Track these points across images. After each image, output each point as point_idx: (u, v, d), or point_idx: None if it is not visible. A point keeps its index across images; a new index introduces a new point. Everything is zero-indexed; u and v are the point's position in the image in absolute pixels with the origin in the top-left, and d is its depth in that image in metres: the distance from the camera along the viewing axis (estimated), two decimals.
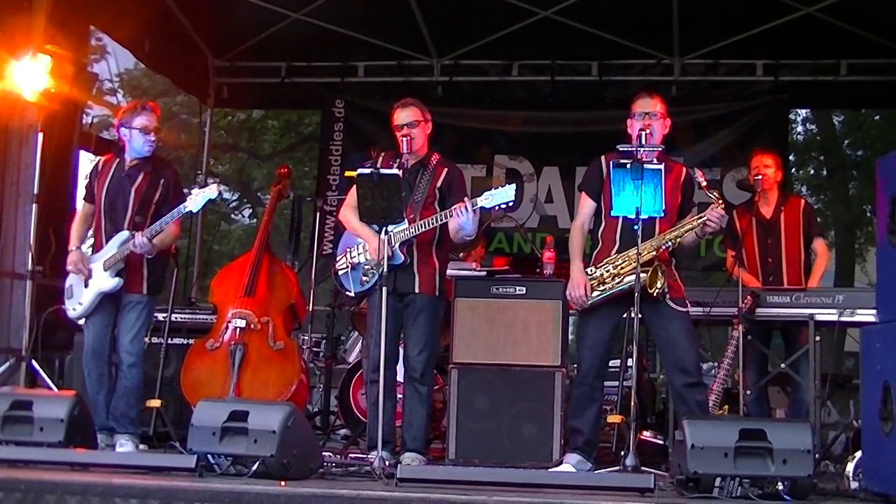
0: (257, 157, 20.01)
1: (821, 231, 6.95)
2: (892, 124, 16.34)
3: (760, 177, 6.50)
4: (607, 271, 5.33)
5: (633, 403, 5.07)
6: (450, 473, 4.81)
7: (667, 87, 9.07)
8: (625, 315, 5.36)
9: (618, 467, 5.05)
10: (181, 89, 12.88)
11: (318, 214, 8.35)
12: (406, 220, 5.48)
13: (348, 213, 5.75)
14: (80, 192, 6.28)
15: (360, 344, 7.21)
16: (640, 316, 5.14)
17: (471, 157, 9.50)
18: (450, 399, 5.95)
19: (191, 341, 6.38)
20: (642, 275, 5.12)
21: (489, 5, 8.72)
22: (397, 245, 5.47)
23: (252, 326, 5.97)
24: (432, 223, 5.51)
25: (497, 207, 5.44)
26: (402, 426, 5.65)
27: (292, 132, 18.94)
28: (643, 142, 5.25)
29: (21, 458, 4.76)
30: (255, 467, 4.52)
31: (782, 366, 6.36)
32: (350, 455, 5.89)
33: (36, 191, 6.84)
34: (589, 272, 5.37)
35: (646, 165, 5.12)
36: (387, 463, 4.88)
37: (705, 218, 5.20)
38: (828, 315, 5.94)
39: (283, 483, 4.36)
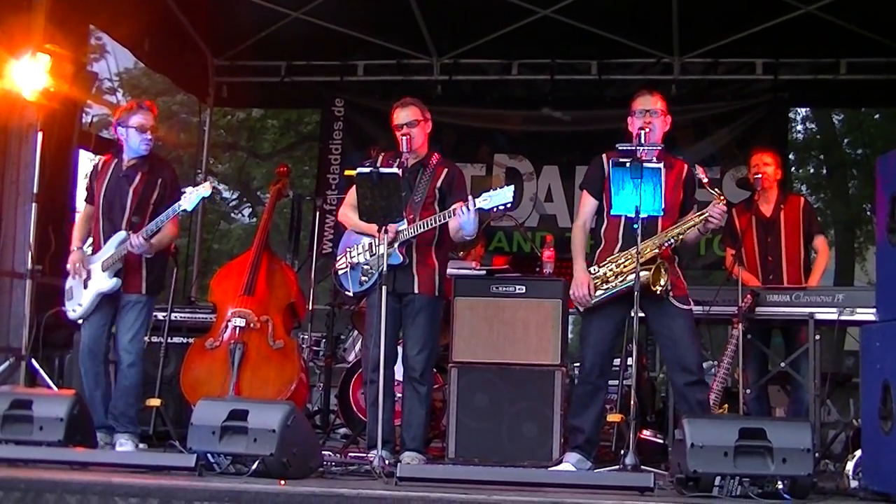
0: (257, 156, 20.01)
1: (821, 229, 6.95)
2: (892, 123, 16.33)
3: (760, 175, 6.51)
4: (610, 270, 5.32)
5: (632, 402, 5.06)
6: (449, 472, 4.82)
7: (666, 86, 9.06)
8: (629, 313, 5.35)
9: (617, 466, 5.05)
10: (181, 88, 12.89)
11: (317, 213, 8.35)
12: (405, 221, 5.48)
13: (348, 212, 5.75)
14: (80, 191, 6.29)
15: (359, 343, 7.21)
16: (640, 314, 5.14)
17: (470, 156, 9.51)
18: (449, 398, 5.94)
19: (190, 340, 6.38)
20: (644, 273, 5.13)
21: (489, 4, 8.72)
22: (396, 245, 5.47)
23: (252, 325, 5.97)
24: (432, 224, 5.50)
25: (495, 209, 5.43)
26: (402, 426, 5.65)
27: (292, 131, 18.94)
28: (643, 140, 5.25)
29: (21, 457, 4.75)
30: (254, 466, 4.52)
31: (782, 365, 6.36)
32: (350, 454, 5.89)
33: (35, 190, 6.84)
34: (592, 271, 5.36)
35: (645, 164, 5.12)
36: (386, 462, 4.88)
37: (707, 214, 5.19)
38: (828, 314, 5.95)
39: (282, 482, 4.36)
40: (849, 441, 5.81)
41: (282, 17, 9.10)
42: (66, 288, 6.00)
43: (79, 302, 5.89)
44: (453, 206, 5.44)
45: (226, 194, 21.05)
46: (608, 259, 5.36)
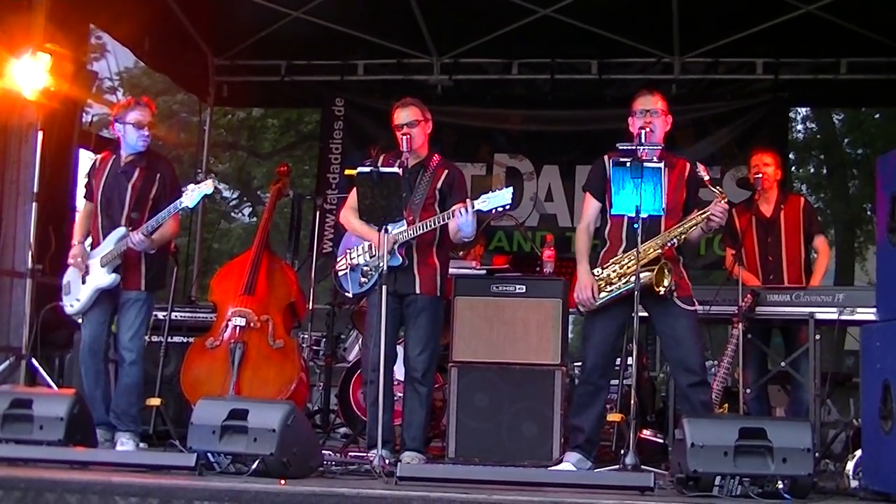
0: (257, 156, 20.01)
1: (821, 228, 6.95)
2: (893, 123, 16.34)
3: (760, 175, 6.50)
4: (614, 271, 5.32)
5: (632, 402, 5.06)
6: (449, 472, 4.82)
7: (667, 86, 9.06)
8: (632, 314, 5.35)
9: (618, 466, 5.05)
10: (181, 88, 12.90)
11: (317, 213, 8.34)
12: (405, 222, 5.48)
13: (349, 215, 5.75)
14: (81, 190, 6.28)
15: (359, 343, 7.21)
16: (641, 314, 5.13)
17: (471, 155, 9.51)
18: (449, 398, 5.94)
19: (191, 340, 6.38)
20: (647, 273, 5.15)
21: (489, 4, 8.72)
22: (396, 246, 5.47)
23: (252, 325, 5.97)
24: (431, 225, 5.50)
25: (494, 210, 5.43)
26: (402, 426, 5.65)
27: (292, 130, 18.94)
28: (643, 140, 5.25)
29: (21, 456, 4.75)
30: (254, 466, 4.52)
31: (782, 364, 6.36)
32: (350, 454, 5.88)
33: (36, 189, 6.85)
34: (595, 273, 5.36)
35: (646, 164, 5.12)
36: (386, 461, 4.88)
37: (709, 213, 5.19)
38: (828, 314, 5.94)
39: (282, 481, 4.36)
40: (849, 441, 5.81)
41: (282, 16, 9.10)
42: (63, 283, 6.00)
43: (77, 297, 5.89)
44: (453, 208, 5.44)
45: (226, 194, 21.05)
46: (612, 260, 5.36)
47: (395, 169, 5.29)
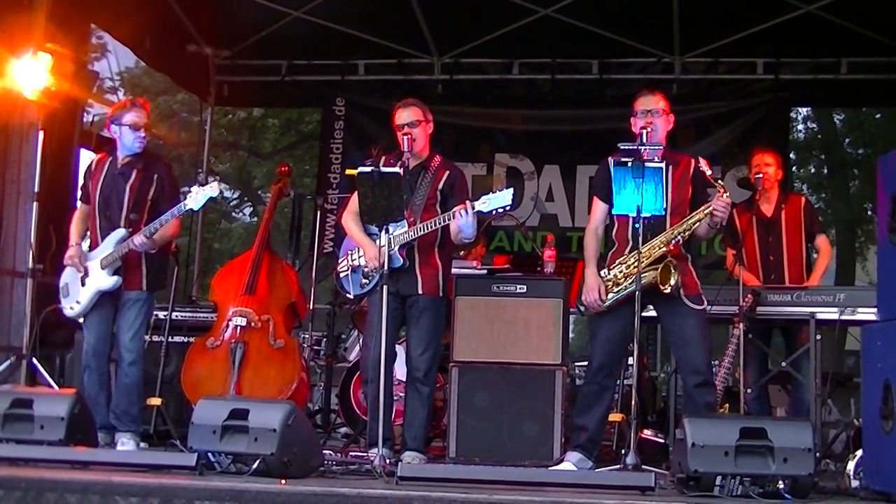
0: (258, 156, 20.01)
1: (822, 228, 6.95)
2: (893, 123, 16.34)
3: (761, 175, 6.50)
4: (620, 272, 5.32)
5: (633, 402, 5.06)
6: (450, 472, 4.82)
7: (667, 86, 9.06)
8: (642, 313, 5.36)
9: (618, 466, 5.05)
10: (181, 87, 12.89)
11: (318, 213, 8.36)
12: (406, 223, 5.48)
13: (349, 219, 5.75)
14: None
15: (360, 342, 7.21)
16: (650, 314, 5.14)
17: (471, 155, 9.51)
18: (450, 397, 5.94)
19: (191, 339, 6.38)
20: (652, 273, 5.16)
21: (490, 3, 8.72)
22: (396, 248, 5.47)
23: (252, 325, 5.97)
24: (432, 227, 5.51)
25: (495, 212, 5.43)
26: (403, 425, 5.66)
27: (293, 130, 18.94)
28: (645, 139, 5.25)
29: (21, 456, 4.75)
30: (255, 465, 4.52)
31: (783, 364, 6.35)
32: (350, 453, 5.88)
33: (36, 189, 6.84)
34: (602, 275, 5.37)
35: (647, 163, 5.12)
36: (387, 461, 4.88)
37: (711, 208, 5.18)
38: (828, 313, 5.94)
39: (283, 481, 4.36)
40: (850, 441, 5.81)
41: (283, 16, 9.10)
42: (60, 285, 5.99)
43: (77, 299, 5.89)
44: (453, 210, 5.44)
45: (227, 194, 21.04)
46: (618, 261, 5.36)
47: (395, 169, 5.28)
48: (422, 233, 5.52)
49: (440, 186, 5.67)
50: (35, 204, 6.83)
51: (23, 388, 6.26)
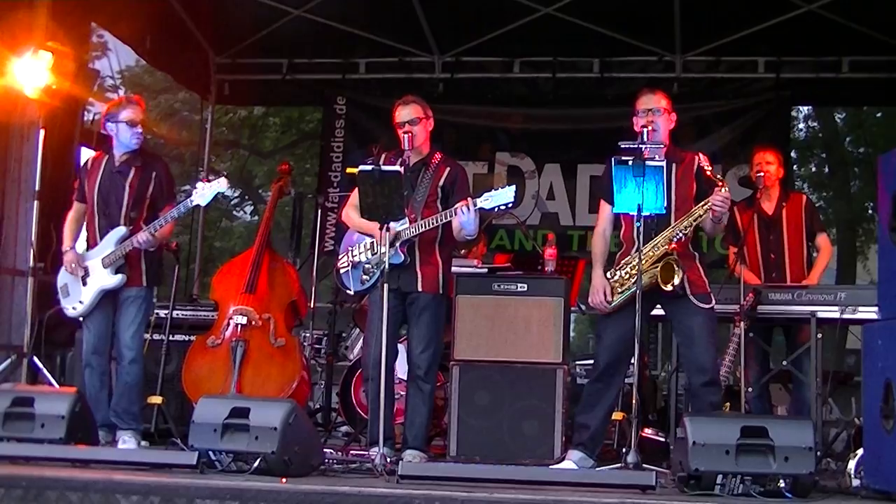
0: (258, 154, 20.01)
1: (823, 227, 6.96)
2: (894, 121, 16.34)
3: (762, 174, 6.50)
4: (626, 272, 5.32)
5: (634, 400, 5.06)
6: (451, 470, 4.82)
7: (668, 85, 9.04)
8: (648, 311, 5.37)
9: (619, 464, 5.06)
10: (182, 86, 12.89)
11: (319, 211, 8.36)
12: (407, 220, 5.47)
13: (350, 212, 5.75)
14: None
15: (361, 341, 7.21)
16: (658, 312, 5.11)
17: (472, 154, 9.50)
18: (451, 396, 5.94)
19: (192, 338, 6.38)
20: (653, 272, 5.16)
21: (491, 2, 8.73)
22: (398, 244, 5.47)
23: (253, 323, 5.97)
24: (433, 223, 5.50)
25: (497, 209, 5.43)
26: (404, 423, 5.66)
27: (293, 129, 18.94)
28: (645, 138, 5.24)
29: (22, 454, 4.76)
30: (256, 464, 4.52)
31: (784, 363, 6.36)
32: (351, 452, 5.88)
33: (37, 187, 6.83)
34: (609, 276, 5.37)
35: (648, 162, 5.11)
36: (388, 460, 4.88)
37: (710, 203, 5.17)
38: (829, 312, 5.93)
39: (284, 480, 4.36)
40: (850, 439, 5.81)
41: (283, 14, 9.10)
42: (59, 285, 5.98)
43: (79, 299, 5.88)
44: (455, 206, 5.44)
45: (227, 192, 21.03)
46: (623, 262, 5.37)
47: (396, 167, 5.28)
48: (423, 229, 5.52)
49: (441, 183, 5.67)
50: (36, 202, 6.82)
51: (24, 386, 6.25)
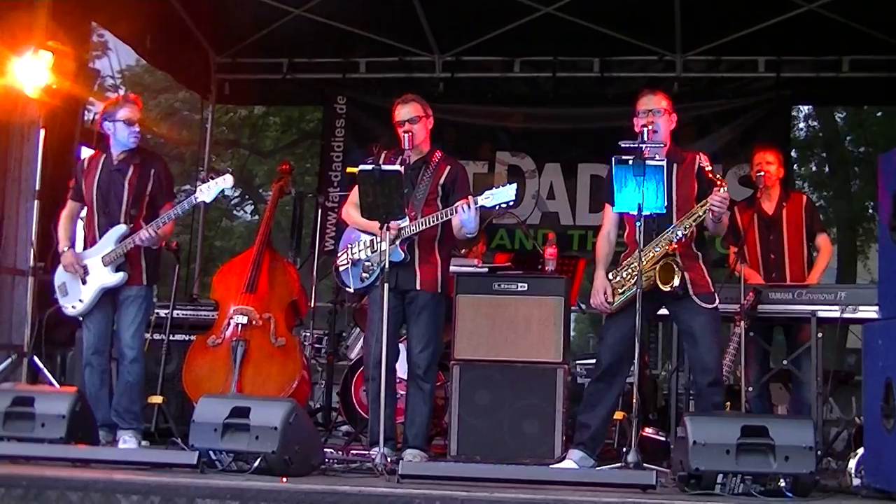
0: (259, 154, 20.01)
1: (823, 226, 6.96)
2: (894, 121, 16.33)
3: (762, 173, 6.50)
4: (628, 273, 5.33)
5: (634, 400, 5.06)
6: (451, 470, 4.82)
7: (669, 84, 9.06)
8: (652, 312, 5.38)
9: (620, 464, 5.06)
10: (182, 85, 12.88)
11: (319, 211, 8.37)
12: (407, 218, 5.48)
13: (351, 210, 5.76)
14: None
15: (361, 340, 7.21)
16: (654, 313, 5.13)
17: (472, 153, 9.50)
18: (451, 395, 5.94)
19: (192, 338, 6.38)
20: (652, 273, 5.16)
21: (491, 2, 8.73)
22: (398, 242, 5.47)
23: (254, 323, 5.97)
24: (433, 221, 5.50)
25: (498, 207, 5.44)
26: (405, 423, 5.66)
27: (294, 128, 18.94)
28: (646, 138, 5.24)
29: (23, 454, 4.76)
30: (256, 464, 4.52)
31: (784, 362, 6.35)
32: (352, 451, 5.89)
33: (38, 187, 6.83)
34: (611, 277, 5.38)
35: (648, 161, 5.11)
36: (388, 459, 4.88)
37: (709, 202, 5.17)
38: (830, 312, 5.93)
39: (284, 479, 4.36)
40: (851, 439, 5.81)
41: (284, 14, 9.10)
42: (57, 284, 5.98)
43: (78, 298, 5.87)
44: (455, 204, 5.44)
45: (228, 191, 21.03)
46: (625, 263, 5.38)
47: (396, 167, 5.28)
48: (423, 227, 5.52)
49: (441, 181, 5.67)
50: (36, 202, 6.82)
51: (24, 386, 6.26)
